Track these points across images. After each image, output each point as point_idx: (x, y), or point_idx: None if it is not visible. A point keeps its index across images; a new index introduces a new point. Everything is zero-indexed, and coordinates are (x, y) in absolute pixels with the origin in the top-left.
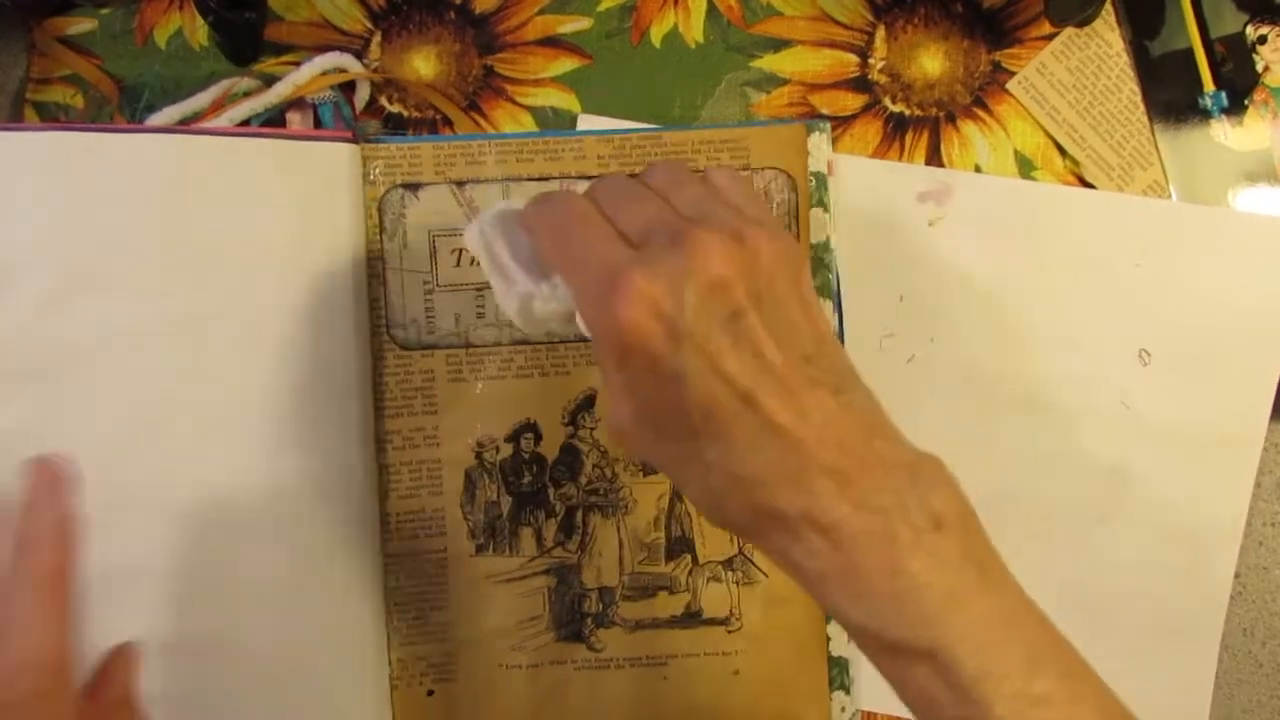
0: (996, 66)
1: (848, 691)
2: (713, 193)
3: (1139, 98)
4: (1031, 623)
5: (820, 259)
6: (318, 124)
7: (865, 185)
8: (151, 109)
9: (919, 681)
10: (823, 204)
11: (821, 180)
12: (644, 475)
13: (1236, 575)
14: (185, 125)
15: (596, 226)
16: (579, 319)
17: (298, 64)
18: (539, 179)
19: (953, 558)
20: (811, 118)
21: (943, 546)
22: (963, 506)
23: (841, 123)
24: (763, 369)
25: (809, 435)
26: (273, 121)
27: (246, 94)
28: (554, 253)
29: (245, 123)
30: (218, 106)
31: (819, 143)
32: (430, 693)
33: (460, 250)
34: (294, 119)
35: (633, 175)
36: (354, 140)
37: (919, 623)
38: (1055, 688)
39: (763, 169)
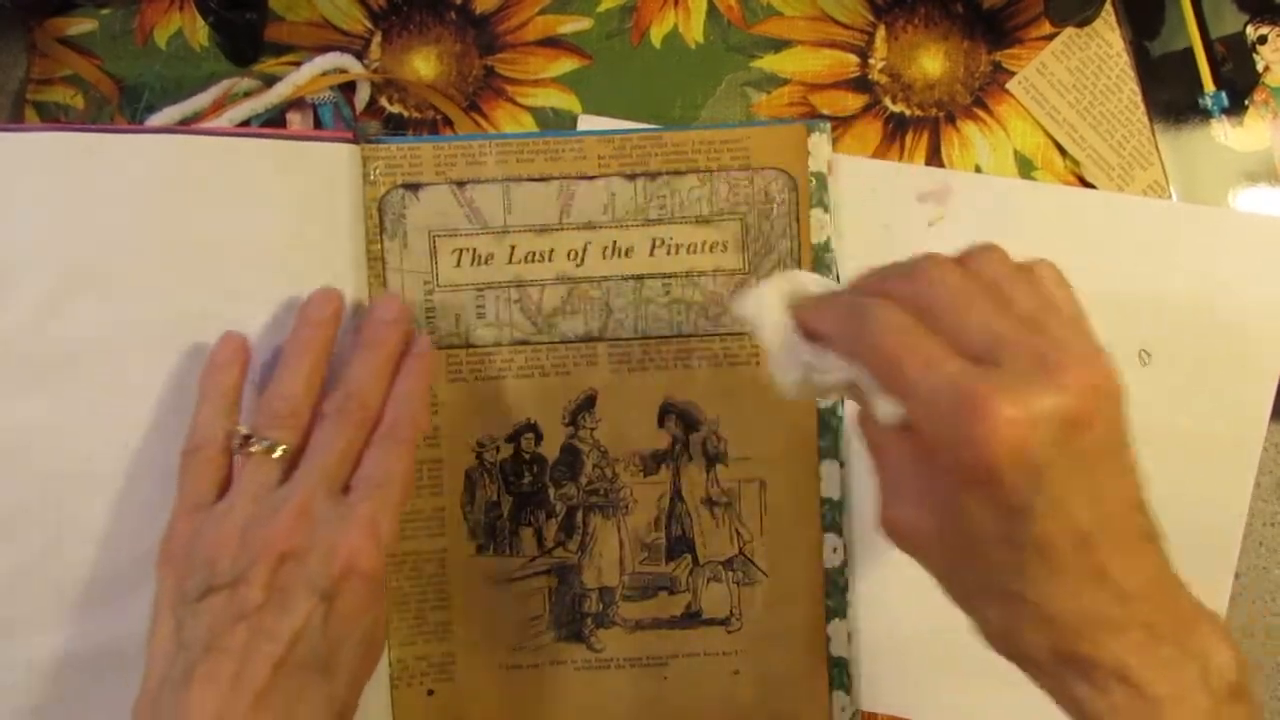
0: (997, 67)
1: (847, 691)
2: (1045, 298)
3: (1139, 98)
4: None
5: (821, 259)
6: (318, 124)
7: (865, 185)
8: (152, 109)
9: None
10: (823, 204)
11: (822, 180)
12: (644, 475)
13: (1236, 575)
14: (185, 125)
15: (928, 344)
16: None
17: (298, 64)
18: (539, 179)
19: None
20: (812, 118)
21: (1237, 713)
22: (1246, 672)
23: (842, 123)
24: (1103, 517)
25: (1133, 587)
26: (273, 122)
27: (247, 94)
28: (876, 366)
29: (246, 123)
30: (218, 107)
31: (819, 143)
32: (430, 692)
33: (460, 250)
34: (294, 119)
35: (954, 260)
36: (354, 140)
37: None
38: None
39: (763, 169)
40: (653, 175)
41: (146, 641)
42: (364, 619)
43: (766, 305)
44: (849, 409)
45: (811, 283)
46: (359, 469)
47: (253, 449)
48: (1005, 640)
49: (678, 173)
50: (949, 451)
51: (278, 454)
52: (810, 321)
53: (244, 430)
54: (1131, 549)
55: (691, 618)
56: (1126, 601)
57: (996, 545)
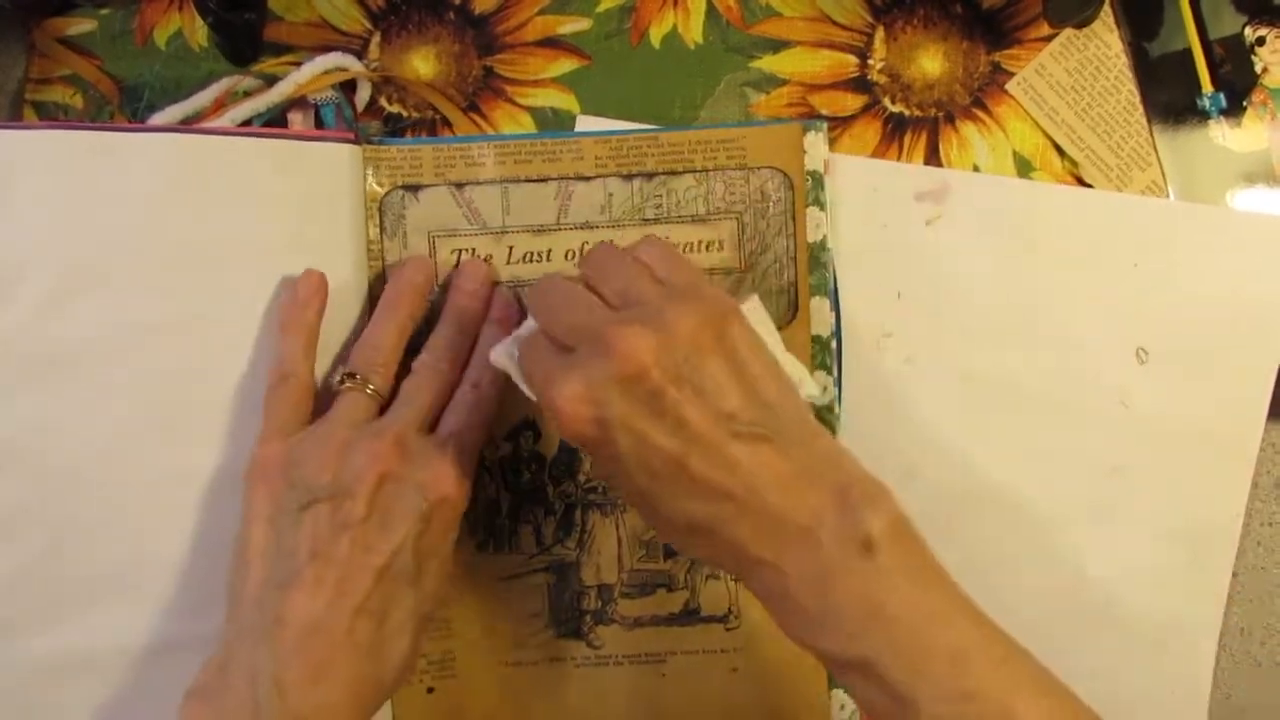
0: (995, 67)
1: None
2: (641, 271)
3: (1137, 99)
4: (964, 623)
5: (817, 258)
6: (319, 125)
7: (863, 184)
8: (152, 109)
9: (859, 690)
10: (819, 203)
11: (818, 179)
12: None
13: (1234, 575)
14: (187, 125)
15: (538, 342)
16: None
17: (298, 64)
18: (538, 180)
19: (879, 574)
20: (810, 118)
21: (869, 566)
22: (894, 524)
23: (841, 123)
24: (688, 437)
25: (736, 485)
26: (274, 122)
27: (248, 94)
28: (524, 375)
29: (247, 123)
30: (219, 106)
31: (815, 142)
32: (430, 690)
33: (460, 250)
34: (295, 119)
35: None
36: (355, 141)
37: (848, 638)
38: (986, 681)
39: (759, 168)
40: (649, 175)
41: (237, 553)
42: (447, 541)
43: (504, 355)
44: (845, 412)
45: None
46: (445, 417)
47: (350, 384)
48: (688, 553)
49: (674, 173)
50: (554, 428)
51: (371, 389)
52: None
53: (339, 370)
54: (728, 453)
55: (690, 615)
56: (735, 498)
57: (629, 484)
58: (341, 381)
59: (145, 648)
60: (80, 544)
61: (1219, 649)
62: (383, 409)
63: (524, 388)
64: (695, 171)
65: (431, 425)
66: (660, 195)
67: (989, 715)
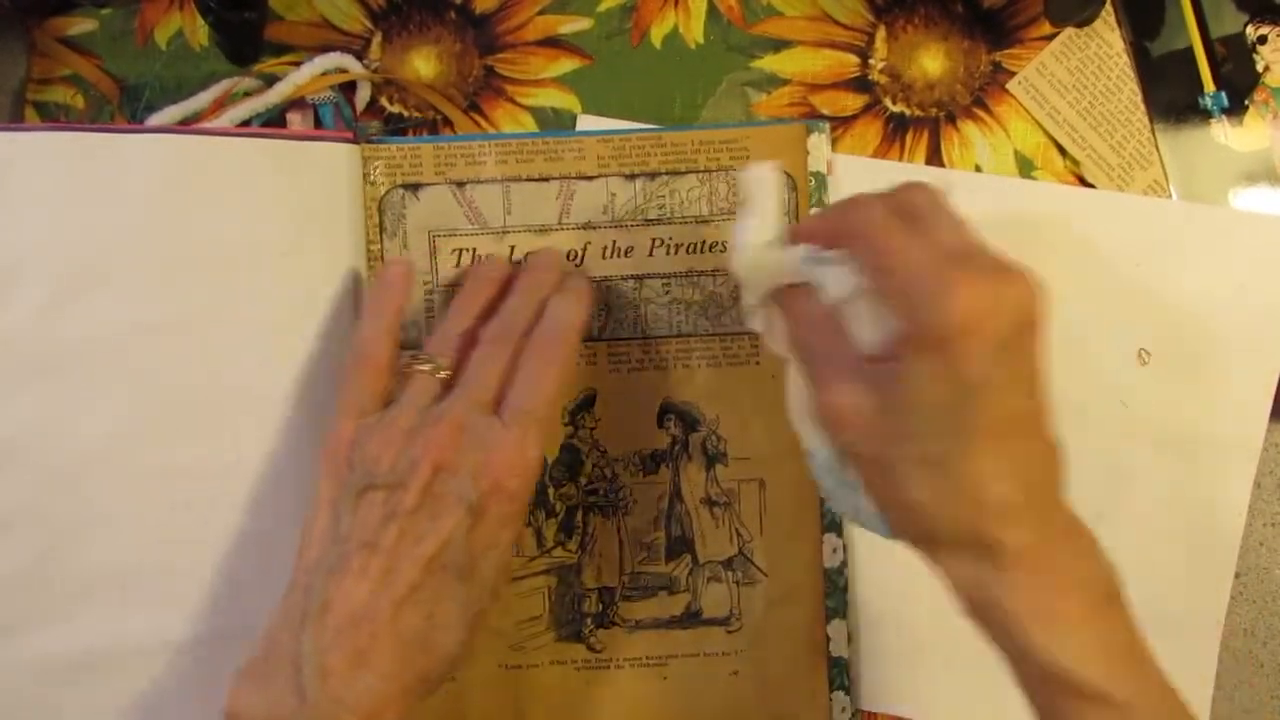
0: (997, 67)
1: (847, 692)
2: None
3: (1139, 98)
4: (1180, 701)
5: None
6: (318, 124)
7: (865, 185)
8: (152, 109)
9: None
10: (822, 204)
11: (821, 180)
12: (644, 475)
13: (1237, 575)
14: (186, 125)
15: (916, 237)
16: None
17: (298, 64)
18: (539, 179)
19: (1128, 628)
20: (811, 118)
21: (1119, 615)
22: (1123, 590)
23: (842, 123)
24: (1030, 409)
25: (1047, 476)
26: (273, 122)
27: (247, 94)
28: (863, 249)
29: (246, 123)
30: (218, 106)
31: (818, 143)
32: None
33: (460, 250)
34: (294, 119)
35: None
36: (354, 141)
37: (1113, 672)
38: None
39: None
40: (652, 175)
41: (303, 530)
42: (505, 534)
43: (767, 181)
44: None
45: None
46: (509, 390)
47: (420, 367)
48: (920, 519)
49: (677, 173)
50: (923, 323)
51: (441, 372)
52: (805, 224)
53: (410, 353)
54: (1048, 446)
55: (691, 618)
56: (1039, 493)
57: (941, 416)
58: (411, 365)
59: (144, 648)
60: (79, 544)
61: (1222, 649)
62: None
63: (769, 224)
64: (698, 172)
65: (499, 399)
66: (663, 195)
67: None
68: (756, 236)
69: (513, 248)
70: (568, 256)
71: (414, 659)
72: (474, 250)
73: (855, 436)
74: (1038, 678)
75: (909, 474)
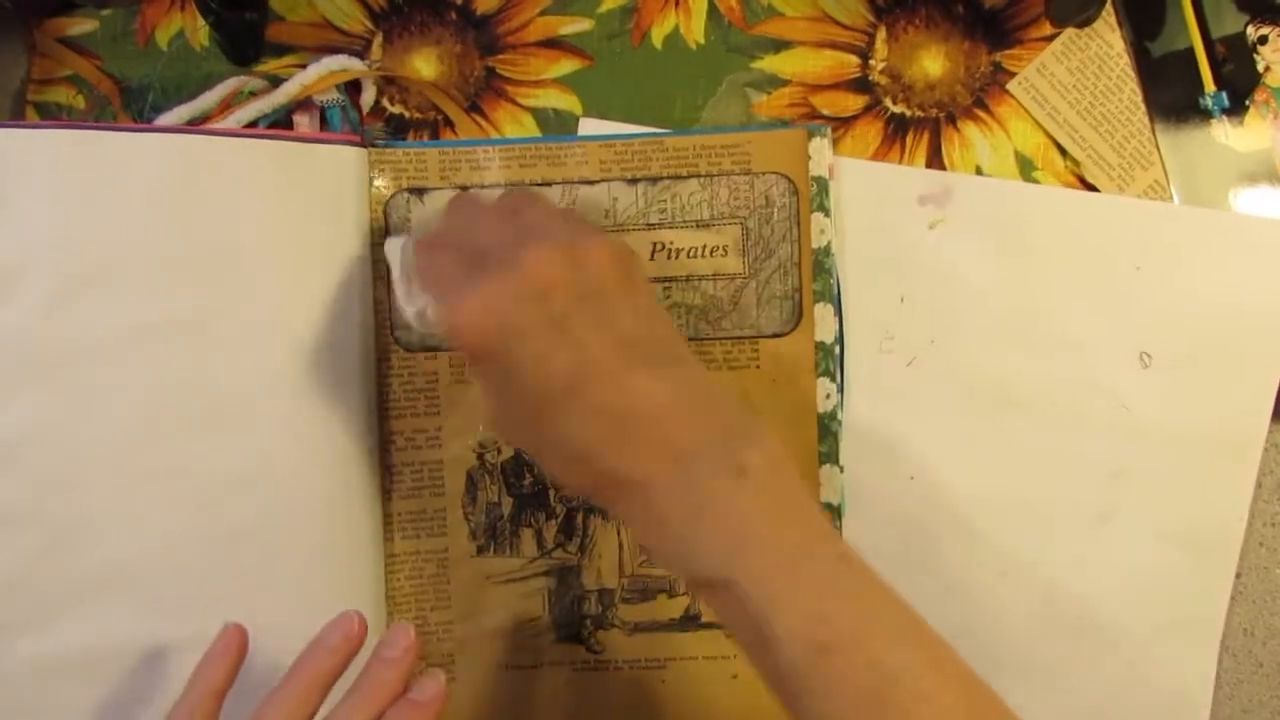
0: (997, 67)
1: None
2: (554, 211)
3: (1140, 98)
4: (829, 556)
5: (821, 264)
6: (324, 127)
7: (866, 188)
8: (157, 109)
9: (722, 609)
10: (823, 208)
11: (823, 185)
12: None
13: (1237, 575)
14: (193, 126)
15: (445, 253)
16: None
17: (300, 65)
18: (542, 184)
19: (750, 503)
20: (812, 119)
21: (741, 493)
22: (772, 458)
23: (842, 123)
24: (586, 360)
25: (628, 411)
26: (280, 123)
27: (254, 95)
28: (422, 278)
29: (253, 124)
30: (225, 107)
31: (820, 147)
32: None
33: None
34: (301, 121)
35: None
36: (361, 144)
37: (714, 560)
38: (843, 607)
39: (764, 173)
40: (654, 179)
41: None
42: None
43: (404, 253)
44: (848, 417)
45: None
46: None
47: None
48: (567, 482)
49: (679, 177)
50: (450, 337)
51: None
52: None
53: None
54: (622, 382)
55: (690, 621)
56: (624, 425)
57: (515, 406)
58: None
59: (144, 648)
60: (79, 544)
61: (1222, 650)
62: None
63: (401, 290)
64: (700, 176)
65: None
66: (665, 200)
67: (854, 668)
68: (409, 304)
69: None
70: None
71: None
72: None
73: (501, 437)
74: (677, 574)
75: (534, 454)
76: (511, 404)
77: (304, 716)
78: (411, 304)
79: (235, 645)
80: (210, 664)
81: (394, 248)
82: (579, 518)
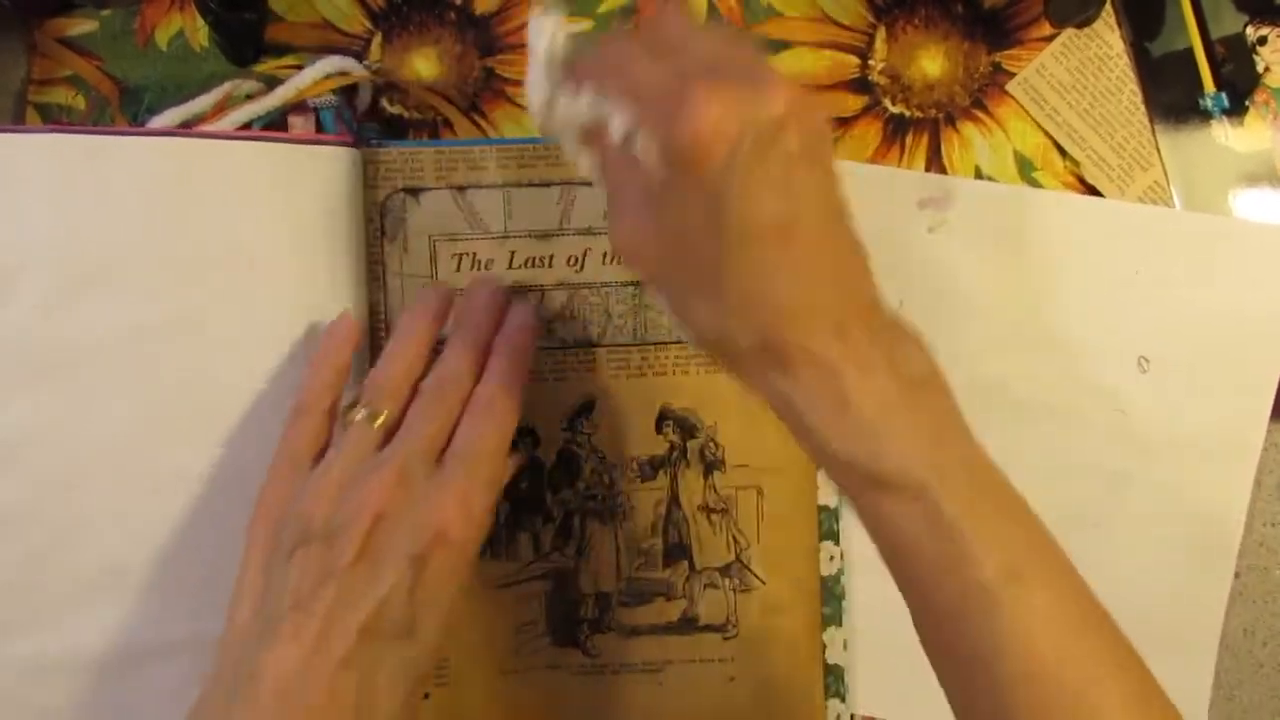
0: (996, 68)
1: (843, 699)
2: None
3: (1139, 99)
4: (1004, 480)
5: None
6: (319, 128)
7: (865, 191)
8: (153, 111)
9: (899, 519)
10: None
11: None
12: (641, 481)
13: (1236, 575)
14: (187, 128)
15: (659, 60)
16: (587, 154)
17: (299, 66)
18: (540, 184)
19: (938, 410)
20: None
21: (930, 400)
22: (941, 374)
23: (842, 124)
24: (799, 211)
25: (829, 281)
26: (275, 125)
27: (249, 97)
28: (613, 81)
29: (247, 126)
30: (220, 109)
31: None
32: (426, 696)
33: (461, 255)
34: (296, 123)
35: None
36: (355, 145)
37: (907, 461)
38: (1029, 538)
39: None
40: None
41: (231, 599)
42: (449, 587)
43: (550, 36)
44: None
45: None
46: (452, 442)
47: (355, 416)
48: (718, 338)
49: None
50: (665, 141)
51: (378, 422)
52: (580, 67)
53: (347, 399)
54: (826, 249)
55: (688, 624)
56: (822, 294)
57: (703, 237)
58: (347, 413)
59: (144, 648)
60: (78, 544)
61: (1222, 650)
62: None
63: (538, 72)
64: None
65: (443, 449)
66: None
67: (1054, 597)
68: (540, 89)
69: (513, 253)
70: (568, 262)
71: None
72: (474, 255)
73: (641, 265)
74: (840, 472)
75: (688, 294)
76: (688, 236)
77: (419, 367)
78: (540, 91)
79: (350, 328)
80: (328, 342)
81: (543, 26)
82: (575, 521)
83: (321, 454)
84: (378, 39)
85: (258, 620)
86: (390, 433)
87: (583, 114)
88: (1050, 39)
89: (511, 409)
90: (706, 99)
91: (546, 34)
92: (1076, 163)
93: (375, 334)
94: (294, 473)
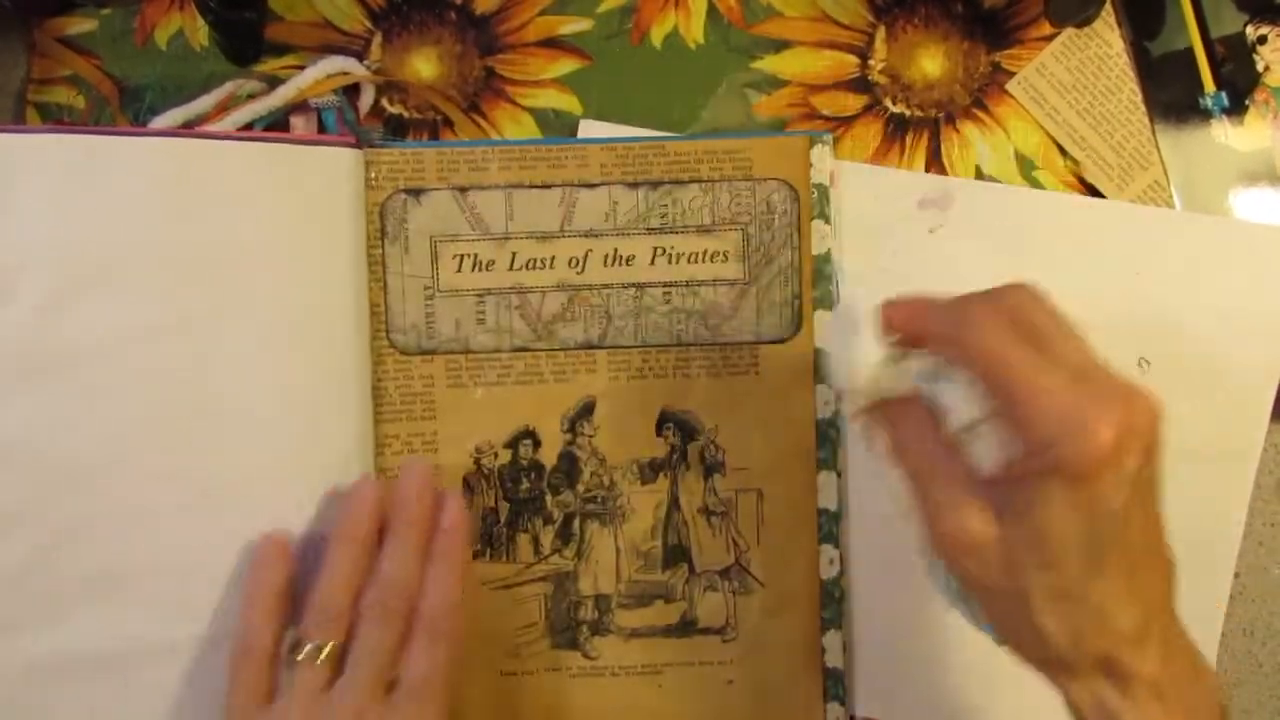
0: (996, 67)
1: (842, 702)
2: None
3: (1139, 98)
4: None
5: (821, 271)
6: (321, 128)
7: (866, 192)
8: (154, 111)
9: None
10: (824, 215)
11: (824, 192)
12: (642, 483)
13: (1236, 575)
14: (189, 128)
15: (1034, 354)
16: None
17: (299, 66)
18: (541, 186)
19: None
20: (812, 119)
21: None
22: (1227, 702)
23: (842, 124)
24: (1152, 537)
25: (1158, 608)
26: (276, 125)
27: (251, 96)
28: (988, 371)
29: (249, 126)
30: (222, 109)
31: (822, 154)
32: None
33: (462, 256)
34: (298, 123)
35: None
36: (357, 145)
37: None
38: None
39: (766, 179)
40: (655, 184)
41: None
42: None
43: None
44: (848, 422)
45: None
46: (405, 674)
47: (300, 656)
48: (1052, 645)
49: (680, 182)
50: (1050, 453)
51: (323, 656)
52: (907, 318)
53: (290, 637)
54: (1161, 570)
55: (687, 627)
56: (1152, 617)
57: (1076, 547)
58: (289, 652)
59: (143, 648)
60: (78, 544)
61: (1221, 650)
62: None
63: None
64: (701, 181)
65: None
66: (666, 204)
67: None
68: (868, 356)
69: (514, 254)
70: (569, 264)
71: None
72: (475, 256)
73: (977, 564)
74: None
75: (1038, 603)
76: (1051, 544)
77: (359, 577)
78: (842, 345)
79: (277, 548)
80: (259, 569)
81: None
82: (576, 523)
83: (266, 695)
84: (378, 39)
85: None
86: (340, 655)
87: (905, 385)
88: (1050, 38)
89: (457, 623)
90: (1112, 417)
91: (867, 311)
92: (1076, 162)
93: (375, 334)
94: None
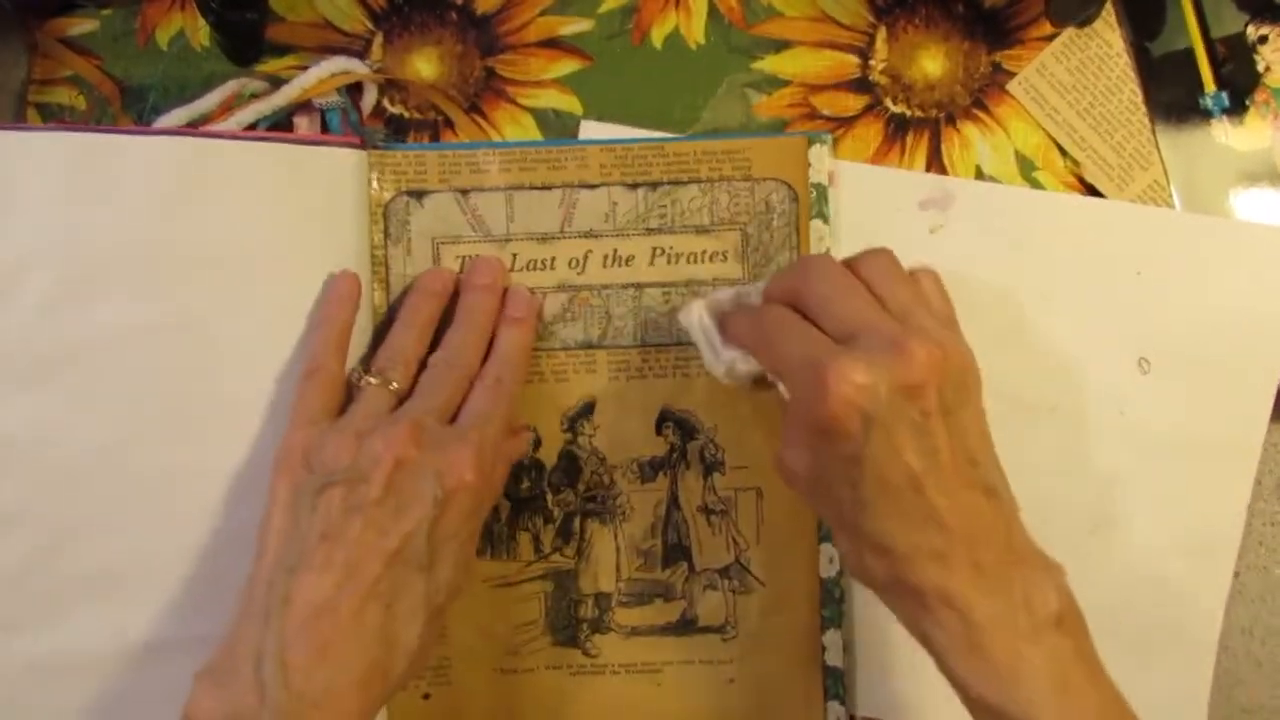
0: (997, 67)
1: (842, 701)
2: (919, 296)
3: (1139, 98)
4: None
5: None
6: (325, 129)
7: (866, 192)
8: (157, 111)
9: None
10: (823, 216)
11: (822, 192)
12: (642, 482)
13: (1236, 575)
14: (193, 127)
15: (802, 330)
16: (779, 384)
17: (301, 67)
18: (542, 187)
19: (1066, 654)
20: (812, 119)
21: (1060, 643)
22: (1078, 612)
23: (842, 124)
24: (935, 465)
25: (959, 526)
26: (280, 125)
27: (254, 96)
28: (763, 355)
29: (253, 126)
30: (226, 109)
31: (820, 154)
32: (426, 696)
33: (463, 257)
34: (301, 123)
35: (845, 262)
36: (361, 146)
37: (1033, 704)
38: None
39: (765, 179)
40: (654, 185)
41: (257, 539)
42: (465, 529)
43: (695, 317)
44: None
45: (726, 299)
46: (463, 408)
47: (371, 379)
48: (858, 570)
49: (679, 182)
50: (806, 410)
51: (392, 386)
52: (728, 329)
53: (358, 370)
54: (960, 495)
55: (687, 625)
56: (952, 538)
57: (842, 486)
58: (361, 378)
59: (143, 648)
60: (79, 544)
61: (1221, 649)
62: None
63: (706, 352)
64: (700, 182)
65: (451, 418)
66: (665, 205)
67: None
68: (716, 365)
69: (515, 255)
70: (569, 265)
71: (376, 654)
72: (476, 257)
73: (795, 489)
74: (977, 712)
75: (835, 529)
76: (832, 480)
77: (426, 341)
78: (719, 361)
79: (352, 286)
80: (332, 304)
81: (692, 311)
82: (576, 522)
83: (333, 411)
84: (379, 39)
85: (288, 553)
86: (401, 400)
87: (754, 372)
88: (1050, 38)
89: (516, 389)
90: (839, 379)
91: (697, 316)
92: (1077, 162)
93: (378, 334)
94: (312, 427)
